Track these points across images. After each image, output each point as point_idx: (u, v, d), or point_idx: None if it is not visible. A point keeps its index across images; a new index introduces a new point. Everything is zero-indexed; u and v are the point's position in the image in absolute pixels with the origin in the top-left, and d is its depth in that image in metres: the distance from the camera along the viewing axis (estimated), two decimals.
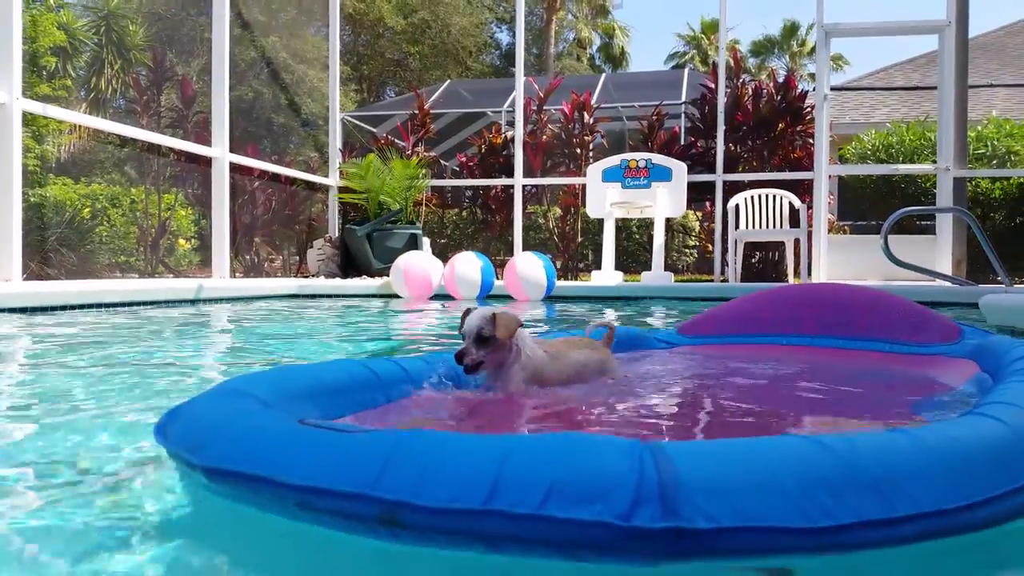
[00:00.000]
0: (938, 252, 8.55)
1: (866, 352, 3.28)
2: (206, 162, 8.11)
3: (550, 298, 7.43)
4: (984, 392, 1.93)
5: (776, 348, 3.41)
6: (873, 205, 11.97)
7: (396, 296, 7.45)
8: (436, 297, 7.41)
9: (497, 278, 7.39)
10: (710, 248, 12.22)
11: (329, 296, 7.67)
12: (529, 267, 7.11)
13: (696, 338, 3.55)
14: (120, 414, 1.84)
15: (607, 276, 8.67)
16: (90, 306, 5.22)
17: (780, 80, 9.99)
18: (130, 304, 5.44)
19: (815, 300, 3.63)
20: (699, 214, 12.02)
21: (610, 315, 5.96)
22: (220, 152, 7.78)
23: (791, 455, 0.95)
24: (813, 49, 35.64)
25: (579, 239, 11.42)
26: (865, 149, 13.28)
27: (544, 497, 0.86)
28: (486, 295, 7.26)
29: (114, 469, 1.34)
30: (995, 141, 12.25)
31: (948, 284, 7.64)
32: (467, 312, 1.99)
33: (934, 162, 10.73)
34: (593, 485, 0.87)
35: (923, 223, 10.65)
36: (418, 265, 7.33)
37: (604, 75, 20.78)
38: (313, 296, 7.58)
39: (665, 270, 9.05)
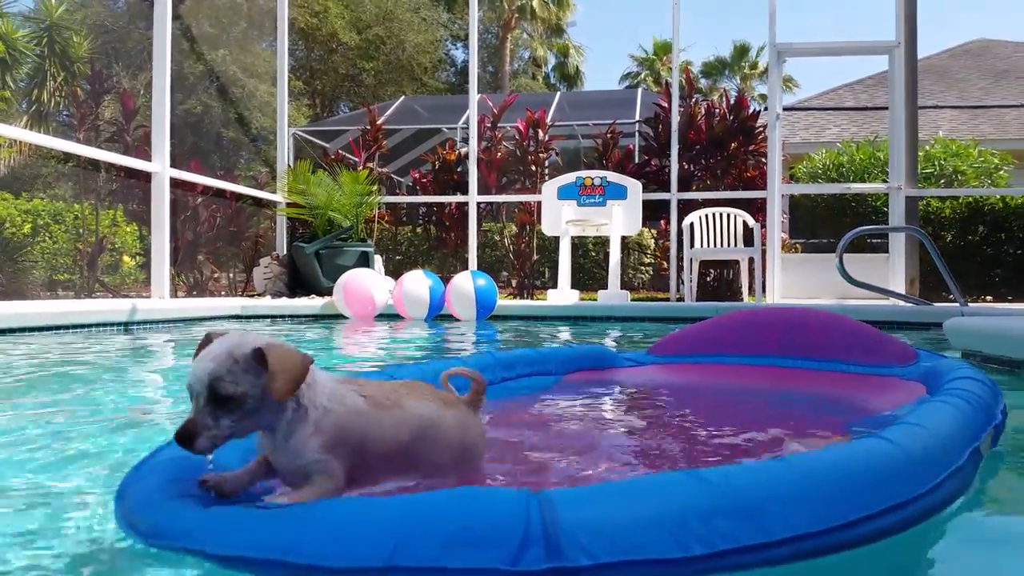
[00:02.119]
0: (892, 271, 8.58)
1: (823, 372, 3.28)
2: (147, 177, 7.79)
3: (495, 318, 7.28)
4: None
5: (737, 368, 3.45)
6: (824, 223, 12.06)
7: (341, 317, 7.20)
8: (384, 317, 7.17)
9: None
10: (665, 265, 12.20)
11: (273, 316, 7.39)
12: (413, 284, 6.93)
13: (663, 358, 3.57)
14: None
15: (563, 295, 8.53)
16: (13, 330, 4.90)
17: (732, 100, 9.98)
18: (55, 328, 5.12)
19: (779, 322, 3.68)
20: (654, 232, 11.98)
21: (565, 334, 5.81)
22: (160, 167, 7.48)
23: (667, 489, 1.02)
24: (764, 71, 36.27)
25: (535, 257, 11.28)
26: (816, 168, 13.42)
27: (441, 549, 0.93)
28: (435, 315, 7.05)
29: None
30: (942, 161, 12.47)
31: (902, 303, 7.65)
32: (206, 340, 1.20)
33: (884, 181, 10.87)
34: (484, 534, 0.94)
35: (875, 242, 10.74)
36: (359, 283, 7.07)
37: (559, 93, 20.79)
38: (257, 317, 7.30)
39: (621, 288, 8.94)
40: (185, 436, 1.11)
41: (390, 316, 7.16)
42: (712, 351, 3.60)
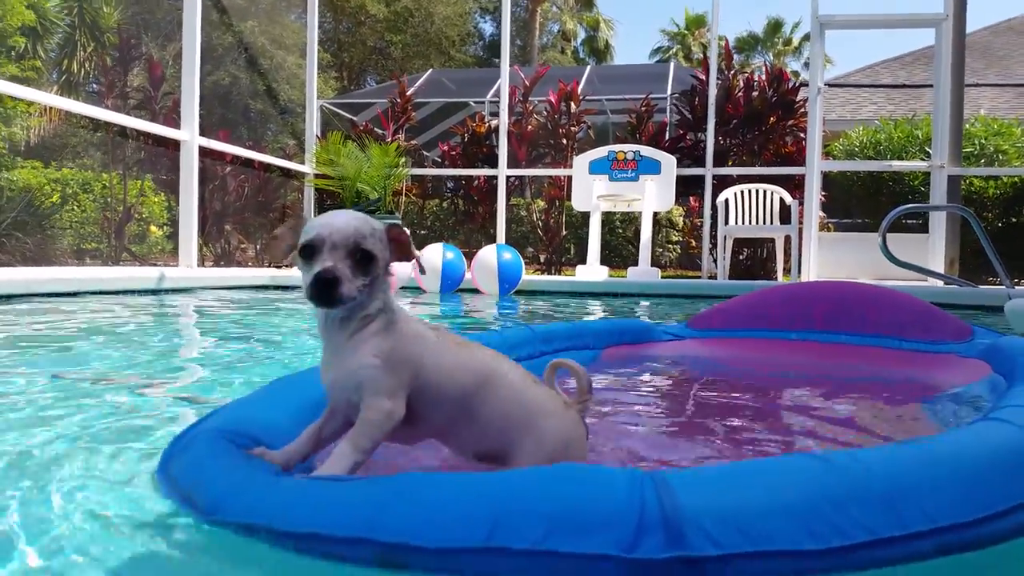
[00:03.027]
0: (931, 251, 8.34)
1: (875, 349, 3.18)
2: (176, 146, 7.72)
3: (523, 293, 7.16)
4: (998, 395, 1.89)
5: (784, 343, 3.35)
6: (860, 202, 11.78)
7: None
8: (406, 289, 7.10)
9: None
10: (694, 243, 12.00)
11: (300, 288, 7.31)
12: (428, 253, 6.87)
13: (704, 331, 3.46)
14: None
15: (592, 271, 8.39)
16: (43, 295, 4.86)
17: (772, 73, 9.72)
18: (85, 293, 5.07)
19: (825, 296, 3.58)
20: (683, 209, 11.78)
21: (596, 310, 5.68)
22: (189, 135, 7.40)
23: (796, 475, 0.93)
24: (797, 47, 35.62)
25: (563, 232, 11.14)
26: (853, 146, 13.10)
27: (545, 531, 0.84)
28: (452, 288, 6.94)
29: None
30: (983, 140, 12.11)
31: (943, 284, 7.43)
32: (295, 221, 1.20)
33: (923, 159, 10.58)
34: (594, 517, 0.85)
35: (913, 222, 10.47)
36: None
37: (589, 67, 20.48)
38: (285, 287, 7.24)
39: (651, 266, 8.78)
40: (330, 281, 1.07)
41: (415, 289, 7.09)
42: (756, 325, 3.48)
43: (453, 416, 1.19)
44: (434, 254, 6.85)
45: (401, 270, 6.96)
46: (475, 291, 6.97)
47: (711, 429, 1.82)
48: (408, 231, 1.18)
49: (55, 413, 1.69)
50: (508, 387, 1.21)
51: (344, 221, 1.11)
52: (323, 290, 1.07)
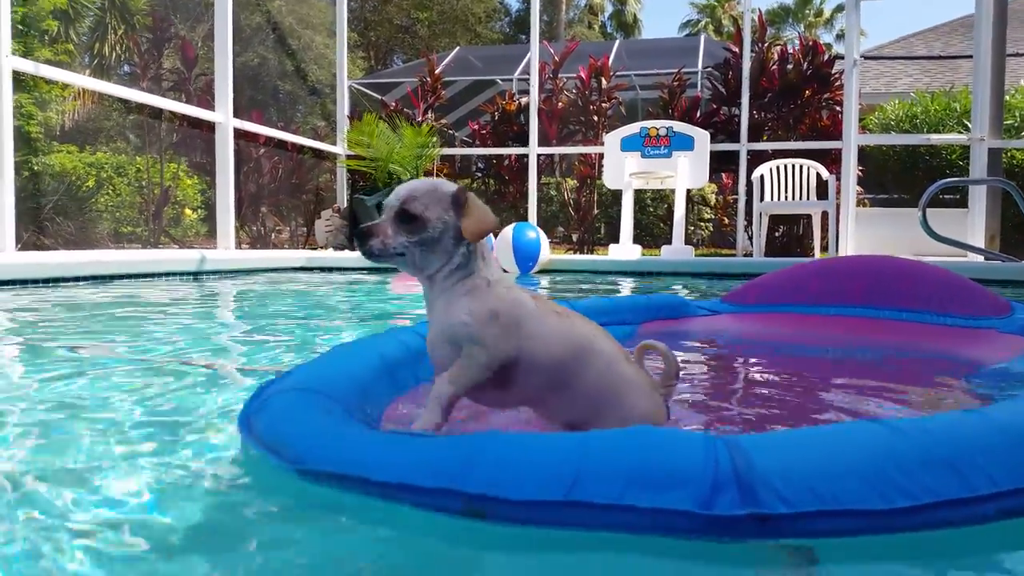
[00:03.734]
0: (971, 226, 8.20)
1: (914, 324, 3.16)
2: (209, 128, 7.78)
3: (553, 271, 7.16)
4: None
5: (821, 319, 3.33)
6: (896, 177, 11.60)
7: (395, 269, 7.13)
8: None
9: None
10: (726, 221, 11.90)
11: (338, 269, 7.38)
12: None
13: (740, 307, 3.46)
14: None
15: (625, 250, 8.35)
16: (87, 278, 4.94)
17: (808, 45, 9.56)
18: (129, 276, 5.15)
19: (862, 271, 3.55)
20: (715, 185, 11.67)
21: (626, 290, 5.67)
22: (224, 117, 7.45)
23: (862, 439, 0.96)
24: (829, 19, 34.98)
25: (595, 211, 11.09)
26: (888, 120, 12.87)
27: (624, 487, 0.89)
28: (532, 270, 6.89)
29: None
30: None
31: (984, 259, 7.32)
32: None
33: (961, 132, 10.37)
34: (671, 474, 0.89)
35: (948, 197, 10.29)
36: None
37: (617, 42, 20.27)
38: (322, 269, 7.30)
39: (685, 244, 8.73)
40: (363, 233, 1.19)
41: None
42: (792, 300, 3.45)
43: (546, 384, 1.22)
44: (508, 233, 6.85)
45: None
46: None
47: (755, 402, 1.83)
48: (482, 204, 1.23)
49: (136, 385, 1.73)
50: (602, 362, 1.23)
51: (404, 186, 1.21)
52: (357, 241, 1.19)
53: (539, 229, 7.06)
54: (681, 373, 1.35)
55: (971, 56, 9.05)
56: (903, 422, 0.99)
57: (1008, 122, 11.59)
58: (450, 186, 1.21)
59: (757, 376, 2.27)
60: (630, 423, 1.18)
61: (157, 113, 9.73)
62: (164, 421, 1.47)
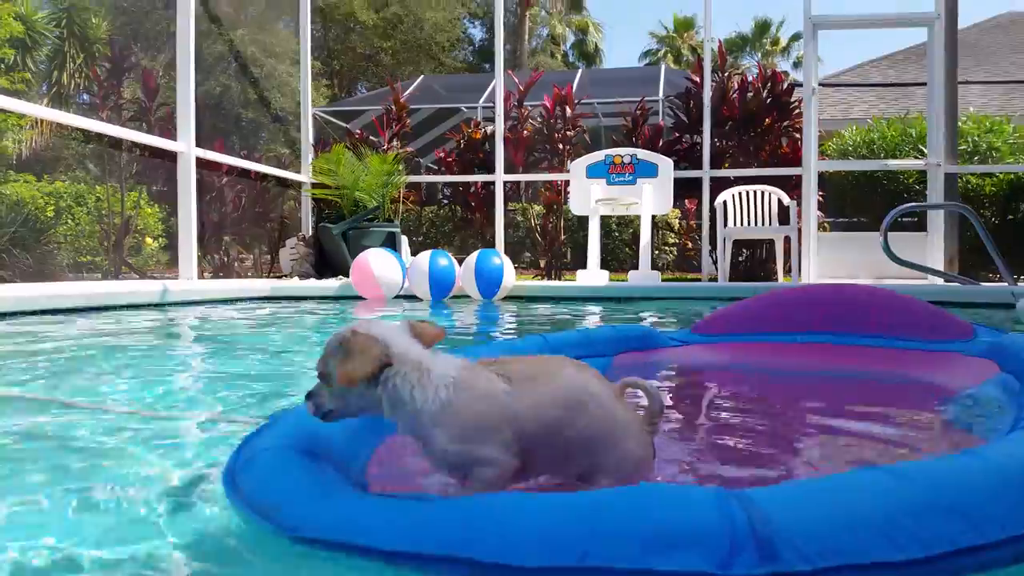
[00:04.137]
0: (930, 249, 8.37)
1: (879, 349, 3.17)
2: (171, 157, 7.69)
3: (521, 299, 7.15)
4: (1011, 394, 1.97)
5: (788, 346, 3.35)
6: (855, 202, 11.82)
7: (360, 297, 7.08)
8: (406, 298, 7.05)
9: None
10: (690, 245, 12.02)
11: (301, 298, 7.30)
12: (379, 263, 6.88)
13: (709, 336, 3.45)
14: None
15: (593, 276, 8.39)
16: (45, 312, 4.82)
17: (767, 73, 9.75)
18: (89, 309, 5.04)
19: (828, 299, 3.60)
20: (678, 211, 11.79)
21: (593, 317, 5.68)
22: (186, 146, 7.37)
23: (870, 488, 0.94)
24: (786, 47, 35.76)
25: (562, 237, 11.13)
26: (846, 145, 13.14)
27: (641, 550, 0.86)
28: (444, 296, 6.88)
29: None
30: (976, 137, 12.17)
31: (942, 282, 7.46)
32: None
33: (917, 157, 10.62)
34: (688, 535, 0.87)
35: (907, 220, 10.51)
36: (364, 265, 6.89)
37: (580, 71, 20.51)
38: (285, 298, 7.21)
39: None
40: (307, 398, 1.21)
41: (409, 297, 7.04)
42: (760, 329, 3.48)
43: (543, 449, 1.16)
44: (423, 261, 6.82)
45: (384, 278, 6.87)
46: (467, 297, 6.95)
47: (739, 436, 1.82)
48: (370, 337, 1.16)
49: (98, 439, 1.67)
50: (597, 406, 1.18)
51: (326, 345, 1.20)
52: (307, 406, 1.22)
53: (503, 255, 7.05)
54: (663, 410, 1.32)
55: (925, 83, 9.29)
56: (904, 467, 0.98)
57: (961, 147, 11.90)
58: (347, 332, 1.16)
59: (736, 408, 2.28)
60: (626, 466, 1.16)
61: (117, 142, 9.60)
62: (135, 474, 1.41)
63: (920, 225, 9.11)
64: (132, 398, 2.18)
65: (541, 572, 0.87)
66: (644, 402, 1.30)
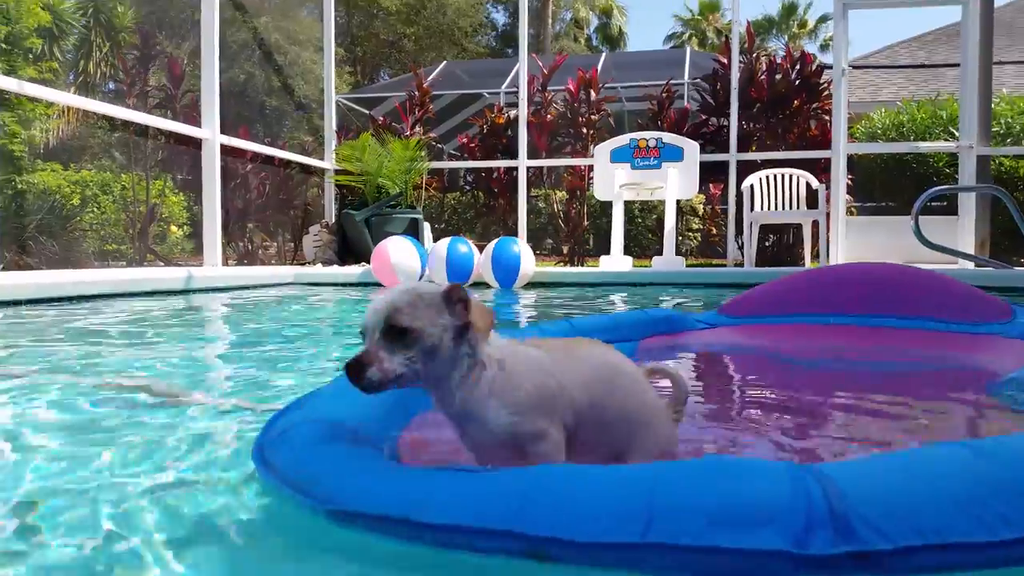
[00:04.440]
0: (961, 233, 8.21)
1: (915, 331, 3.10)
2: (196, 145, 7.71)
3: (544, 285, 7.10)
4: None
5: (822, 328, 3.28)
6: (883, 185, 11.62)
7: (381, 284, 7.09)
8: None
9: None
10: (714, 231, 11.89)
11: (326, 284, 7.30)
12: (397, 252, 6.81)
13: (737, 318, 3.39)
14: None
15: (616, 261, 8.31)
16: (72, 298, 4.85)
17: (796, 55, 9.58)
18: (115, 296, 5.06)
19: (861, 279, 3.53)
20: (703, 196, 11.66)
21: (618, 302, 5.62)
22: (210, 133, 7.38)
23: (949, 464, 0.89)
24: (813, 30, 35.22)
25: (585, 223, 11.05)
26: (875, 128, 12.92)
27: (706, 526, 0.80)
28: (465, 282, 6.84)
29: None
30: (1009, 119, 11.90)
31: (973, 266, 7.31)
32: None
33: (947, 140, 10.41)
34: (760, 511, 0.81)
35: (937, 204, 10.31)
36: (383, 252, 6.86)
37: (604, 54, 20.32)
38: (310, 284, 7.22)
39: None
40: (355, 367, 1.03)
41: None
42: (789, 310, 3.40)
43: (587, 424, 1.15)
44: (441, 248, 6.80)
45: (402, 265, 6.84)
46: (487, 285, 6.94)
47: (775, 418, 1.76)
48: (463, 290, 1.12)
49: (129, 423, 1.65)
50: (632, 383, 1.17)
51: (381, 299, 1.07)
52: (350, 378, 1.04)
53: (521, 242, 7.00)
54: (688, 398, 1.27)
55: (956, 64, 9.11)
56: (982, 443, 0.93)
57: (995, 129, 11.64)
58: (432, 288, 1.11)
59: (768, 392, 2.21)
60: (658, 446, 1.13)
61: (143, 130, 9.65)
62: (164, 457, 1.38)
63: (951, 209, 8.94)
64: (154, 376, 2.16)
65: (599, 548, 0.82)
66: (669, 389, 1.27)
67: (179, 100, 9.71)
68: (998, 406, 1.96)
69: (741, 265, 8.92)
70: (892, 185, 11.36)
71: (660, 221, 11.15)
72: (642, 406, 1.16)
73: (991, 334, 3.00)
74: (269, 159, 9.93)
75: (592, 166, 9.25)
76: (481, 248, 7.02)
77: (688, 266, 8.96)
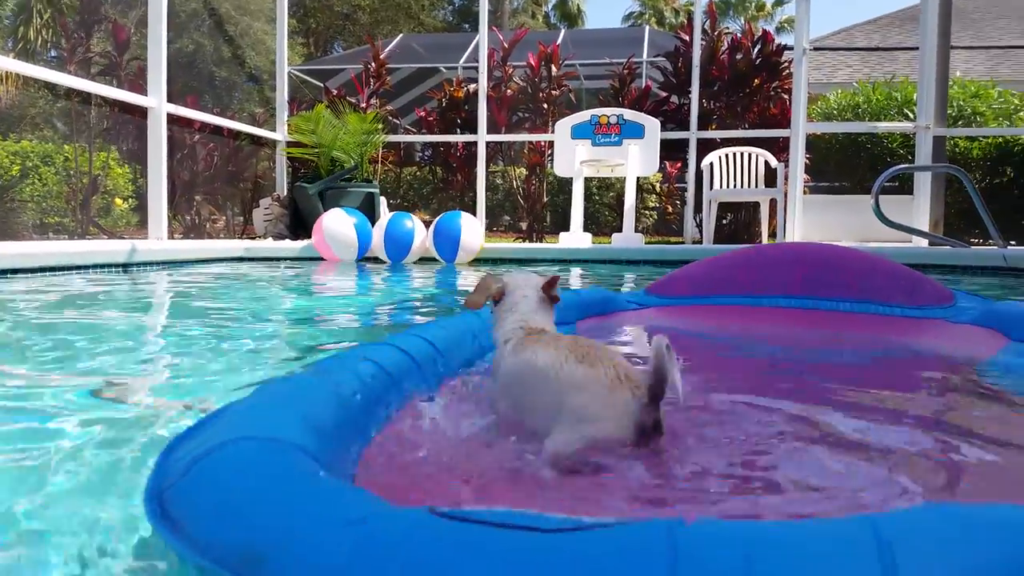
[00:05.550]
0: (916, 212, 8.27)
1: (854, 315, 3.02)
2: (141, 114, 7.39)
3: (506, 261, 7.00)
4: None
5: (759, 311, 3.16)
6: (838, 165, 11.71)
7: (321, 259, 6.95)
8: (369, 260, 6.95)
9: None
10: (671, 209, 11.88)
11: (275, 259, 7.09)
12: (335, 224, 6.75)
13: (667, 299, 3.27)
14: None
15: (576, 238, 8.22)
16: (9, 271, 4.59)
17: (757, 34, 9.54)
18: (53, 269, 4.81)
19: (798, 260, 3.39)
20: (660, 174, 11.63)
21: (575, 278, 5.53)
22: (156, 102, 7.07)
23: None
24: (770, 12, 35.43)
25: (544, 199, 10.93)
26: (831, 109, 13.00)
27: None
28: (403, 259, 6.76)
29: None
30: (961, 101, 12.07)
31: (927, 244, 7.38)
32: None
33: (903, 121, 10.50)
34: None
35: (891, 184, 10.40)
36: (321, 227, 6.78)
37: (563, 31, 20.15)
38: (258, 259, 7.00)
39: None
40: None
41: (373, 259, 6.93)
42: (721, 291, 3.27)
43: (508, 407, 1.31)
44: (382, 222, 6.73)
45: (341, 239, 6.71)
46: (434, 260, 6.84)
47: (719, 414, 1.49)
48: (518, 278, 1.50)
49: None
50: (545, 367, 1.20)
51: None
52: None
53: (469, 216, 6.88)
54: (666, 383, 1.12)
55: (911, 48, 9.14)
56: None
57: (948, 112, 11.79)
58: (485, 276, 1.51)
59: (690, 383, 1.99)
60: (574, 418, 1.10)
61: (86, 99, 9.26)
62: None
63: (906, 188, 9.02)
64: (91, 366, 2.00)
65: None
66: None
67: (124, 68, 9.32)
68: (975, 395, 1.86)
69: (699, 243, 8.90)
70: (846, 165, 11.46)
71: (618, 198, 11.08)
72: (560, 386, 1.15)
73: (935, 319, 2.92)
74: (218, 130, 9.60)
75: (552, 142, 9.12)
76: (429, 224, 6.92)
77: (646, 243, 8.90)
